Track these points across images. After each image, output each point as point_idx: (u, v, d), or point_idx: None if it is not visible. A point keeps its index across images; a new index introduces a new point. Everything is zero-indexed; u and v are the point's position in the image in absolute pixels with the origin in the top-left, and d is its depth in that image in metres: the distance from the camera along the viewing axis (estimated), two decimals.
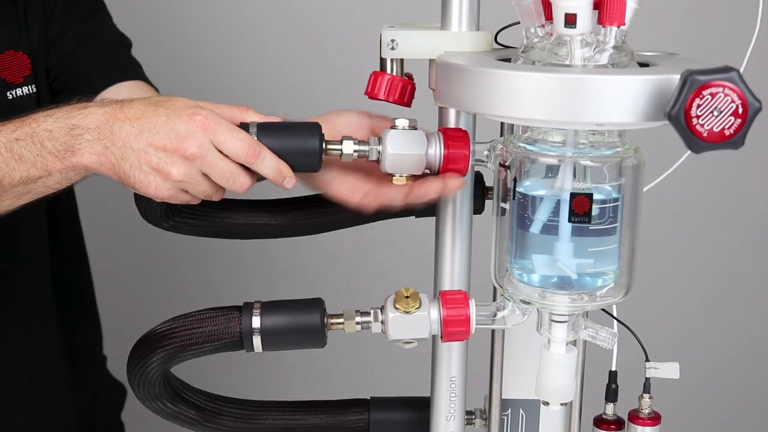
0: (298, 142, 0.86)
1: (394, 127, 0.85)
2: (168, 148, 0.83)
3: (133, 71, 1.25)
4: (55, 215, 1.30)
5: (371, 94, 0.90)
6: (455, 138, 0.85)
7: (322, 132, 0.86)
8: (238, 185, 0.85)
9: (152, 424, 1.18)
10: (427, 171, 0.87)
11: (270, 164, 0.85)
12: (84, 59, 1.22)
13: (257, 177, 0.87)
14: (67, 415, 1.35)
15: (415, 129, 0.85)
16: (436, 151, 0.84)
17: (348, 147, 0.86)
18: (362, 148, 0.86)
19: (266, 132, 0.85)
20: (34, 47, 1.20)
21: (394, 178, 0.85)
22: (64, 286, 1.34)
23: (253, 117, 0.88)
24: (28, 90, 1.19)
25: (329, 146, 0.86)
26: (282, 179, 0.86)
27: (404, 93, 0.90)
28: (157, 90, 1.27)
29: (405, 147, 0.84)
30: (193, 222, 0.96)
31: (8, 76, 1.18)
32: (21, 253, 1.26)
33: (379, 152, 0.85)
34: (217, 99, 0.91)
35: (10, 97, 1.17)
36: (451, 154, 0.84)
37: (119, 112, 0.85)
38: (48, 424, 1.33)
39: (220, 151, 0.84)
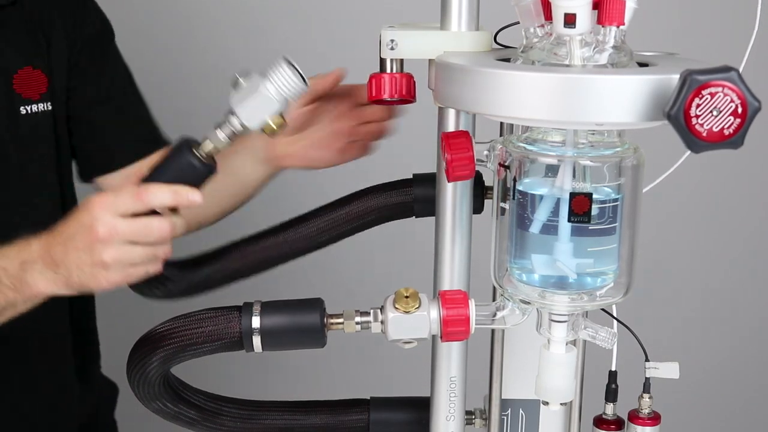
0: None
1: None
2: (86, 242, 0.90)
3: (158, 141, 1.29)
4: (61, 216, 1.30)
5: (376, 98, 0.89)
6: (457, 139, 0.84)
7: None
8: (162, 231, 0.90)
9: (144, 423, 1.18)
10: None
11: (163, 194, 0.89)
12: (107, 134, 1.28)
13: (181, 221, 0.92)
14: (62, 414, 1.35)
15: None
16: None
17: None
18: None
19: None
20: (54, 67, 1.23)
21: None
22: None
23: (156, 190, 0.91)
24: (44, 107, 1.22)
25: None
26: (185, 200, 0.89)
27: (410, 87, 0.90)
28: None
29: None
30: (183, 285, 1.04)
31: (24, 92, 1.21)
32: None
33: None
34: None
35: (24, 112, 1.20)
36: (455, 158, 0.84)
37: (52, 238, 0.93)
38: (45, 422, 1.33)
39: (124, 218, 0.88)
